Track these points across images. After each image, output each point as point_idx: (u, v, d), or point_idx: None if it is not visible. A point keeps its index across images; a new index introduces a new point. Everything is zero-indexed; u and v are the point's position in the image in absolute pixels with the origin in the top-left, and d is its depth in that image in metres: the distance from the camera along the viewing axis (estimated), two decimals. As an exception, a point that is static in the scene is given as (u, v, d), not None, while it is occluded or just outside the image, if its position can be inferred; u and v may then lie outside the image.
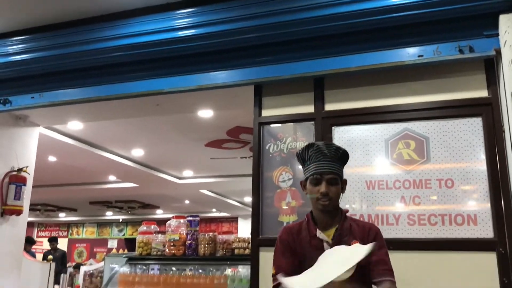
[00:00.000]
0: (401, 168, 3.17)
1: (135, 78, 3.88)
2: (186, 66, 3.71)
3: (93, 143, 6.81)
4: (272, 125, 3.57)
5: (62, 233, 17.76)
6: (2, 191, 4.53)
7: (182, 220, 3.97)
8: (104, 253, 16.07)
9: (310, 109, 3.44)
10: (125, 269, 3.97)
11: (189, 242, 3.86)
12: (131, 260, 4.06)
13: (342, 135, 3.34)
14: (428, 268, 2.94)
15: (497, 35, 2.96)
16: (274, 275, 1.97)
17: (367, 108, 3.31)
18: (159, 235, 4.11)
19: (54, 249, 9.60)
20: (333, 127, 3.35)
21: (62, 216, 16.59)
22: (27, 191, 4.78)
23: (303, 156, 2.06)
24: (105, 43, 3.80)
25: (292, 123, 3.51)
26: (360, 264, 1.78)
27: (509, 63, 2.85)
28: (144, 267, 4.00)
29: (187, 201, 12.78)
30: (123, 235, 17.19)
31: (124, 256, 4.21)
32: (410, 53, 3.13)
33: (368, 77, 3.34)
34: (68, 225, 17.76)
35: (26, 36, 4.05)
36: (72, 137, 6.40)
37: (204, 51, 3.61)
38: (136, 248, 4.13)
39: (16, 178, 4.64)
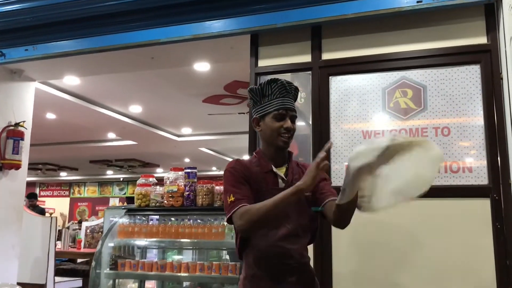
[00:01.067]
0: (398, 117, 3.16)
1: (129, 28, 3.81)
2: (181, 15, 3.64)
3: (91, 99, 6.78)
4: (269, 76, 3.53)
5: (64, 193, 17.97)
6: (0, 146, 4.54)
7: (180, 172, 3.98)
8: (106, 211, 16.30)
9: (307, 58, 3.39)
10: (124, 220, 4.02)
11: (187, 193, 3.89)
12: (130, 212, 4.10)
13: (339, 85, 3.31)
14: (424, 216, 2.97)
15: (498, -22, 2.89)
16: (232, 202, 1.91)
17: (364, 56, 3.26)
18: (157, 187, 4.13)
19: (33, 206, 9.23)
20: (330, 77, 3.32)
21: (64, 176, 16.75)
22: (26, 146, 4.79)
23: (263, 91, 2.03)
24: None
25: (289, 73, 3.46)
26: (308, 199, 1.97)
27: (509, 8, 2.80)
28: (144, 218, 4.05)
29: (186, 159, 12.85)
30: (124, 193, 17.39)
31: (123, 207, 4.25)
32: (408, -1, 3.07)
33: (365, 25, 3.28)
34: (70, 184, 17.94)
35: (16, -14, 3.97)
36: (69, 93, 6.37)
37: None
38: (135, 200, 4.16)
39: (14, 133, 4.63)
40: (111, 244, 4.02)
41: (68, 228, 7.50)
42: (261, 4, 3.41)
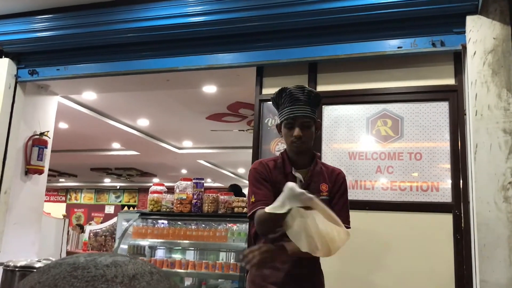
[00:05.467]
0: (379, 142, 3.75)
1: (150, 56, 4.38)
2: (196, 47, 4.22)
3: (103, 112, 7.32)
4: (270, 102, 4.10)
5: (61, 198, 18.35)
6: (27, 152, 5.05)
7: (189, 182, 4.54)
8: (101, 218, 16.72)
9: (304, 89, 3.98)
10: (138, 223, 4.55)
11: (195, 201, 4.44)
12: (143, 216, 4.65)
13: (330, 113, 3.91)
14: (397, 226, 3.55)
15: (464, 32, 3.49)
16: (253, 203, 2.05)
17: (352, 90, 3.86)
18: (168, 194, 4.69)
19: None
20: (323, 106, 3.90)
21: (62, 181, 17.14)
22: (48, 154, 5.31)
23: (277, 101, 2.15)
24: (123, 24, 4.27)
25: (288, 101, 4.04)
26: (325, 202, 2.00)
27: (471, 57, 3.40)
28: (154, 222, 4.59)
29: (184, 170, 13.36)
30: (120, 201, 17.80)
31: (136, 212, 4.79)
32: (391, 45, 3.68)
33: (354, 64, 3.88)
34: (67, 190, 18.33)
35: (52, 15, 4.52)
36: (84, 105, 6.91)
37: (213, 35, 4.12)
38: (148, 205, 4.71)
39: (39, 141, 5.15)
40: (124, 246, 4.54)
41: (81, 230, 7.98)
42: (266, 42, 4.00)
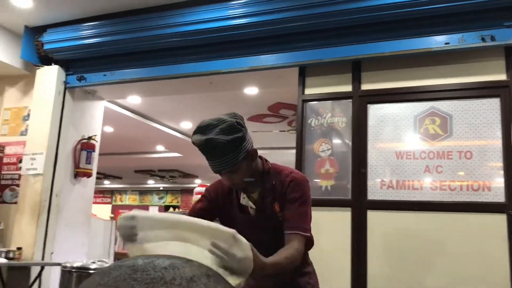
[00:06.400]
0: (427, 141, 3.66)
1: (194, 60, 4.45)
2: (239, 49, 4.25)
3: (147, 115, 7.47)
4: (313, 102, 4.08)
5: (106, 200, 18.85)
6: (76, 156, 5.21)
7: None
8: (146, 219, 17.04)
9: (348, 88, 3.93)
10: (184, 224, 4.62)
11: (239, 202, 4.46)
12: (188, 217, 4.70)
13: (376, 112, 3.84)
14: (448, 227, 3.44)
15: (516, 25, 3.37)
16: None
17: (399, 88, 3.78)
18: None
19: None
20: (368, 105, 3.84)
21: (107, 184, 17.62)
22: (95, 157, 5.47)
23: None
24: (167, 29, 4.36)
25: (331, 101, 4.01)
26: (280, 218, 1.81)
27: (525, 51, 3.27)
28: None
29: (225, 171, 13.44)
30: (163, 202, 18.09)
31: (181, 212, 4.86)
32: (437, 41, 3.58)
33: (400, 61, 3.80)
34: (112, 192, 18.81)
35: (98, 22, 4.66)
36: (129, 109, 7.07)
37: (255, 37, 4.14)
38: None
39: (87, 145, 5.30)
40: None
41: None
42: (309, 42, 3.98)
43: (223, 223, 1.94)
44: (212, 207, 1.98)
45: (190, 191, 16.89)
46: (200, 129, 1.76)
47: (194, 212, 1.96)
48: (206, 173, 14.19)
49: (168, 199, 18.08)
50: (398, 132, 3.76)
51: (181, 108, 7.08)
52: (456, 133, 3.59)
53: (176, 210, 9.92)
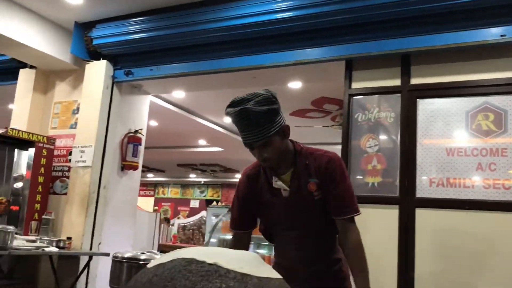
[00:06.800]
0: (479, 137, 3.51)
1: (238, 54, 4.44)
2: (284, 43, 4.21)
3: (191, 110, 7.56)
4: (360, 97, 4.00)
5: (149, 192, 19.25)
6: (123, 149, 5.32)
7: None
8: (187, 212, 17.34)
9: (396, 82, 3.83)
10: (227, 217, 4.64)
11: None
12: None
13: (425, 107, 3.72)
14: (501, 226, 3.30)
15: None
16: (231, 220, 2.11)
17: (450, 82, 3.64)
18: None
19: None
20: (417, 99, 3.73)
21: (150, 177, 17.99)
22: (141, 150, 5.57)
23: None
24: (212, 24, 4.36)
25: (379, 95, 3.91)
26: (320, 201, 1.85)
27: None
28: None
29: (266, 167, 13.46)
30: (204, 196, 18.31)
31: (225, 207, 4.88)
32: (492, 33, 3.43)
33: (452, 54, 3.66)
34: (155, 185, 19.19)
35: (145, 17, 4.73)
36: (173, 104, 7.17)
37: (300, 31, 4.09)
38: (236, 201, 4.78)
39: (134, 139, 5.40)
40: (214, 240, 4.64)
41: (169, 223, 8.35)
42: (356, 35, 3.89)
43: (260, 212, 2.01)
44: (247, 205, 2.03)
45: (230, 185, 17.02)
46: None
47: (234, 220, 2.06)
48: (247, 168, 14.24)
49: (209, 193, 18.28)
50: (449, 128, 3.63)
51: (224, 103, 6.99)
52: (511, 129, 3.43)
53: (219, 204, 9.96)
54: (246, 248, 2.10)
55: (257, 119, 1.76)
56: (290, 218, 1.94)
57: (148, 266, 1.25)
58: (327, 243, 2.01)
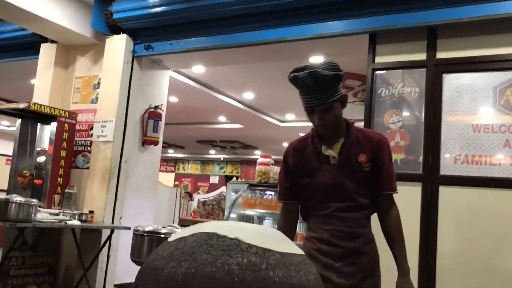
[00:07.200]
0: (508, 114, 3.41)
1: (258, 27, 4.37)
2: (305, 16, 4.11)
3: (211, 85, 7.51)
4: (384, 71, 3.90)
5: (170, 168, 19.43)
6: (143, 125, 5.34)
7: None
8: (207, 188, 17.49)
9: (422, 56, 3.72)
10: (247, 193, 4.64)
11: (303, 173, 4.41)
12: (251, 187, 4.72)
13: (451, 82, 3.61)
14: (526, 205, 3.22)
15: None
16: (278, 193, 2.23)
17: (477, 56, 3.53)
18: (275, 166, 4.70)
19: None
20: (443, 74, 3.62)
21: (171, 153, 18.14)
22: (162, 126, 5.57)
23: (293, 84, 1.97)
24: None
25: (404, 70, 3.81)
26: (368, 174, 1.96)
27: None
28: (262, 193, 4.65)
29: (285, 143, 13.42)
30: (223, 172, 18.42)
31: (245, 183, 4.88)
32: (525, 4, 3.28)
33: (479, 27, 3.53)
34: (175, 161, 19.36)
35: (165, -10, 4.68)
36: (193, 79, 7.13)
37: (323, 3, 3.99)
38: (256, 176, 4.77)
39: (154, 114, 5.41)
40: (233, 215, 4.65)
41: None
42: (380, 7, 3.78)
43: (305, 181, 2.07)
44: (295, 176, 2.10)
45: (249, 162, 17.05)
46: (299, 68, 1.91)
47: (287, 192, 2.14)
48: (266, 145, 14.22)
49: (228, 169, 18.37)
50: (475, 103, 3.53)
51: (244, 78, 7.05)
52: (541, 105, 3.32)
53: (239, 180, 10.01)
54: (296, 220, 2.20)
55: (323, 83, 1.85)
56: (336, 187, 2.01)
57: (169, 239, 1.24)
58: (367, 220, 2.08)
